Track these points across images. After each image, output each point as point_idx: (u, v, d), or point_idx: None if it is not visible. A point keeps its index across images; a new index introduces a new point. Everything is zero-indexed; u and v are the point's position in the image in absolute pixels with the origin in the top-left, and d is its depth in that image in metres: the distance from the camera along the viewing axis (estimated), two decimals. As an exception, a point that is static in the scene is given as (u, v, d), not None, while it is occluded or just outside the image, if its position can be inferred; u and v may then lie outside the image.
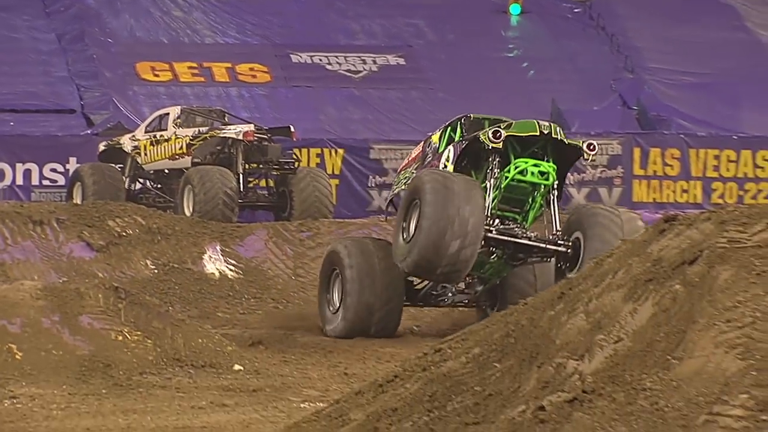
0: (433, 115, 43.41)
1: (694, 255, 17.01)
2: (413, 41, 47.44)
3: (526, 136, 25.02)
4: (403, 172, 28.15)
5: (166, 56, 47.06)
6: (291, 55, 47.10)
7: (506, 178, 24.83)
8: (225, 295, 31.01)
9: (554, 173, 24.89)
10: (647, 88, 45.14)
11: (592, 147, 24.86)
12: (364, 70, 46.74)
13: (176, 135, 38.65)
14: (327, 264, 27.32)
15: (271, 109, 44.38)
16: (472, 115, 27.61)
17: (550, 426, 15.84)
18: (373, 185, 41.55)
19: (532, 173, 24.77)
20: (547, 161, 25.06)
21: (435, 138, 27.21)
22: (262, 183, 38.86)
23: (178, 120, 39.12)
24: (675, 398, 15.68)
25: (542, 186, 25.07)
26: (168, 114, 39.68)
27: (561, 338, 17.00)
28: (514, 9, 47.86)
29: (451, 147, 26.36)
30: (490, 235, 24.80)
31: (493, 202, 25.03)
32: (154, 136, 39.13)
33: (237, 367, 25.43)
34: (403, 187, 27.11)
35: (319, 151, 41.22)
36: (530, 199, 25.29)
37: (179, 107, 40.18)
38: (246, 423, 21.25)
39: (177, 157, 38.53)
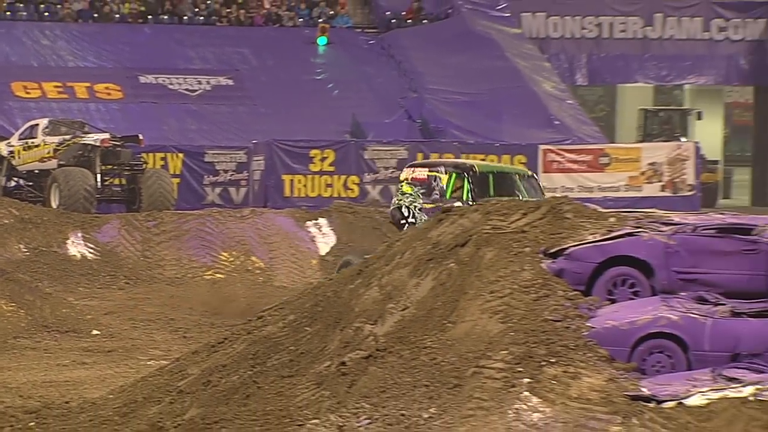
0: (256, 126, 43.37)
1: (465, 239, 17.14)
2: (240, 66, 47.23)
3: None
4: (406, 186, 25.87)
5: (36, 77, 46.65)
6: (139, 77, 46.81)
7: None
8: (85, 273, 30.76)
9: None
10: (428, 105, 45.21)
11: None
12: (200, 89, 46.48)
13: (45, 142, 38.71)
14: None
15: (123, 121, 44.04)
16: (477, 170, 25.77)
17: (350, 378, 15.86)
18: (207, 183, 41.35)
19: None
20: None
21: (443, 179, 25.46)
22: (116, 181, 38.64)
23: (46, 129, 39.22)
24: (450, 354, 15.76)
25: None
26: (38, 124, 39.71)
27: (359, 307, 17.02)
28: (321, 41, 47.73)
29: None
30: None
31: None
32: (26, 143, 39.14)
33: (95, 332, 25.27)
34: (407, 204, 25.13)
35: (163, 155, 40.94)
36: None
37: (47, 119, 40.22)
38: (102, 377, 21.19)
39: (45, 160, 38.56)
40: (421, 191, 25.41)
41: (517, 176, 26.13)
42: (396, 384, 15.48)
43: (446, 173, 25.39)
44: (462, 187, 25.06)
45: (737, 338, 15.66)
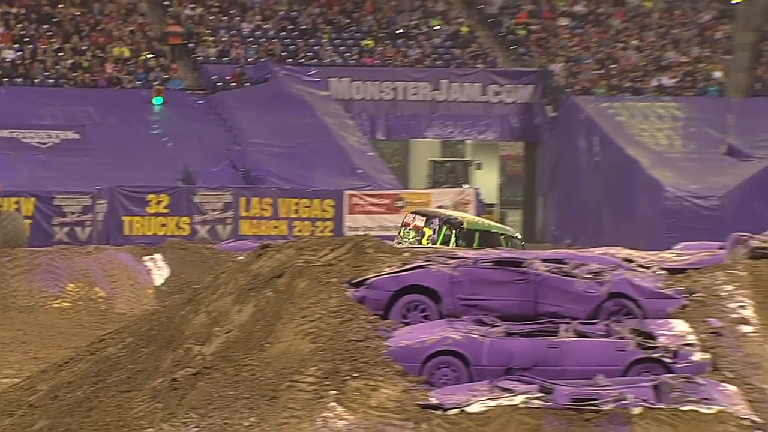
0: (100, 174, 42.74)
1: (281, 271, 17.13)
2: (85, 122, 46.63)
3: None
4: (404, 230, 25.38)
5: None
6: (-3, 132, 46.15)
7: None
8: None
9: None
10: (249, 156, 45.09)
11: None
12: (50, 142, 45.82)
13: None
14: None
15: (-19, 171, 43.23)
16: (466, 226, 24.98)
17: (181, 392, 15.73)
18: (56, 224, 40.81)
19: None
20: None
21: (428, 232, 24.78)
22: None
23: None
24: (267, 371, 15.72)
25: None
26: None
27: (189, 330, 16.91)
28: (157, 101, 47.39)
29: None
30: None
31: None
32: None
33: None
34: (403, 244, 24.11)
35: (17, 199, 40.26)
36: None
37: None
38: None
39: None
40: (417, 237, 24.91)
41: (502, 236, 25.37)
42: (221, 397, 15.40)
43: (438, 225, 24.86)
44: (450, 239, 24.50)
45: (510, 355, 15.83)
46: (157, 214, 41.10)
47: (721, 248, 19.58)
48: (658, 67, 52.33)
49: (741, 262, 18.05)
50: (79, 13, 50.95)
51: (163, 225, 40.87)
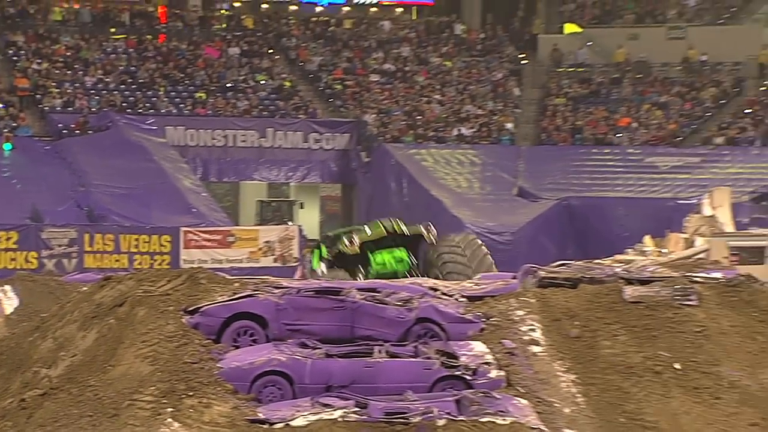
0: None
1: (122, 300, 16.94)
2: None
3: (375, 240, 21.60)
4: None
5: None
6: None
7: (372, 271, 21.48)
8: None
9: (407, 258, 21.86)
10: (93, 197, 44.45)
11: (428, 229, 21.92)
12: None
13: None
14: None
15: None
16: (330, 233, 24.26)
17: (29, 411, 15.44)
18: None
19: (389, 260, 21.52)
20: (400, 250, 21.84)
21: (314, 261, 23.50)
22: None
23: None
24: (110, 391, 15.50)
25: (401, 271, 21.86)
26: None
27: (37, 355, 16.61)
28: (6, 146, 46.56)
29: (322, 263, 22.76)
30: None
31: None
32: None
33: None
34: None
35: None
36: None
37: None
38: None
39: None
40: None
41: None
42: (66, 415, 15.16)
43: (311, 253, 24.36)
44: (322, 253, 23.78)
45: (330, 374, 15.85)
46: (7, 249, 40.36)
47: (513, 278, 19.87)
48: (458, 119, 52.99)
49: (531, 291, 18.33)
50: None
51: (13, 259, 40.10)
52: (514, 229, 44.11)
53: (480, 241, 23.64)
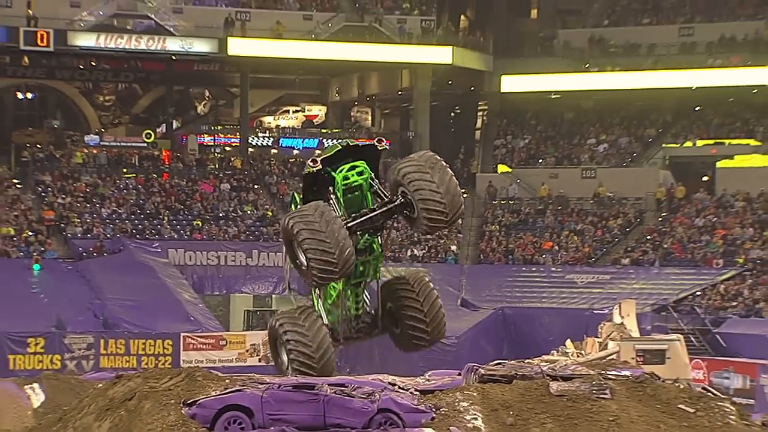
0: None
1: (131, 395, 16.81)
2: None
3: (333, 153, 18.68)
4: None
5: None
6: None
7: (339, 189, 18.66)
8: None
9: (367, 168, 18.77)
10: (107, 308, 44.29)
11: (380, 141, 19.03)
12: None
13: None
14: (270, 337, 19.85)
15: None
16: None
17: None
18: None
19: (352, 174, 18.60)
20: (359, 163, 18.74)
21: (293, 207, 19.69)
22: None
23: None
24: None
25: (364, 182, 18.67)
26: None
27: (60, 442, 16.42)
28: (36, 267, 46.36)
29: (293, 193, 19.86)
30: (350, 225, 18.39)
31: (341, 212, 18.68)
32: None
33: None
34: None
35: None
36: (363, 199, 18.89)
37: None
38: None
39: None
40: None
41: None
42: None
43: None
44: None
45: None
46: (35, 353, 40.07)
47: (458, 375, 19.82)
48: (411, 242, 53.14)
49: (473, 385, 18.29)
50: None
51: (40, 361, 39.80)
52: (459, 333, 44.08)
53: None
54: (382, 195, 18.77)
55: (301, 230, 17.68)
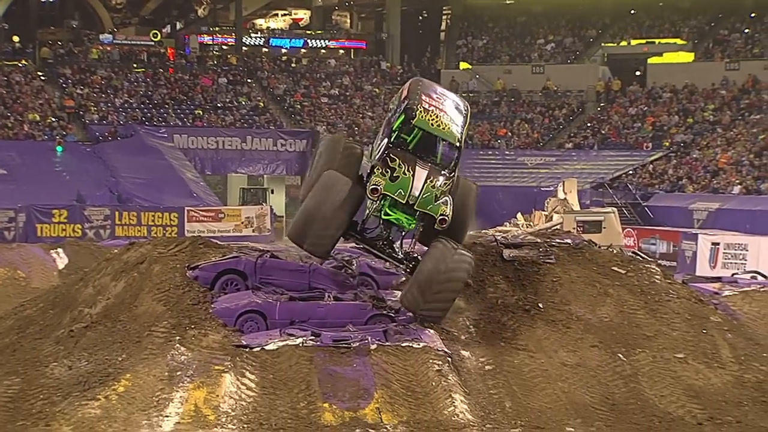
0: (21, 197, 40.73)
1: (143, 259, 16.73)
2: (11, 162, 44.59)
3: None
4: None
5: None
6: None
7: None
8: None
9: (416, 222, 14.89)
10: (121, 185, 43.96)
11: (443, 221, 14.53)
12: (-14, 175, 43.85)
13: None
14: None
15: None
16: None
17: (75, 339, 15.22)
18: (-10, 229, 38.99)
19: (403, 217, 14.72)
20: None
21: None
22: None
23: None
24: (134, 324, 15.31)
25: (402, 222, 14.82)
26: None
27: (81, 298, 16.37)
28: (59, 149, 45.81)
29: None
30: (349, 233, 15.12)
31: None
32: None
33: None
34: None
35: (-37, 213, 38.21)
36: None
37: None
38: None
39: None
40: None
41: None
42: (103, 342, 14.98)
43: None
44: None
45: (293, 312, 15.79)
46: (59, 223, 39.86)
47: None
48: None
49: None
50: (4, 92, 49.15)
51: (63, 230, 39.55)
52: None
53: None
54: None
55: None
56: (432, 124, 14.14)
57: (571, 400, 14.32)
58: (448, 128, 14.25)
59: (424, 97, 14.27)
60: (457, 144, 14.40)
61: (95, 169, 45.36)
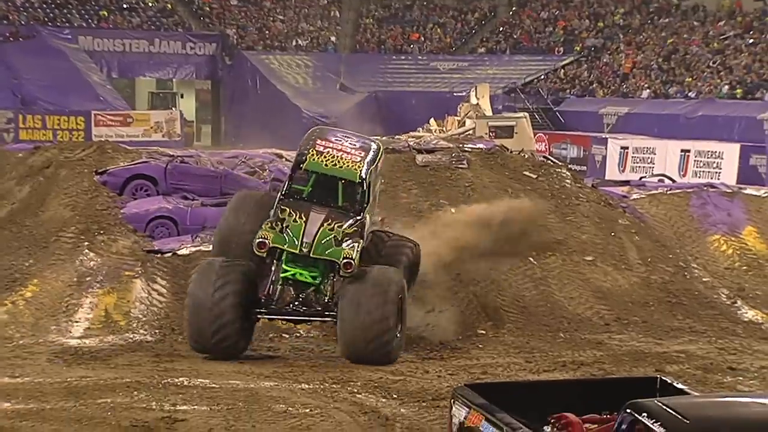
0: None
1: (49, 163, 16.39)
2: None
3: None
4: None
5: None
6: None
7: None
8: None
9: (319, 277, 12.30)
10: (24, 87, 42.85)
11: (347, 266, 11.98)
12: None
13: None
14: None
15: None
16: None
17: None
18: None
19: (300, 272, 12.16)
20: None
21: None
22: None
23: None
24: (41, 229, 15.02)
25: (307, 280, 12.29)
26: None
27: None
28: None
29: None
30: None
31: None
32: None
33: None
34: None
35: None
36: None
37: None
38: None
39: None
40: None
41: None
42: (9, 247, 14.73)
43: None
44: None
45: (205, 217, 15.67)
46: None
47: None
48: (296, 33, 52.14)
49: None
50: None
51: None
52: (339, 113, 43.93)
53: None
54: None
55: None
56: (325, 165, 12.23)
57: (483, 303, 14.55)
58: (346, 166, 12.27)
59: (319, 142, 12.57)
60: (358, 180, 12.20)
61: (-2, 71, 44.01)
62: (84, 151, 16.79)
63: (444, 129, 31.94)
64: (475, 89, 35.26)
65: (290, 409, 10.04)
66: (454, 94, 43.82)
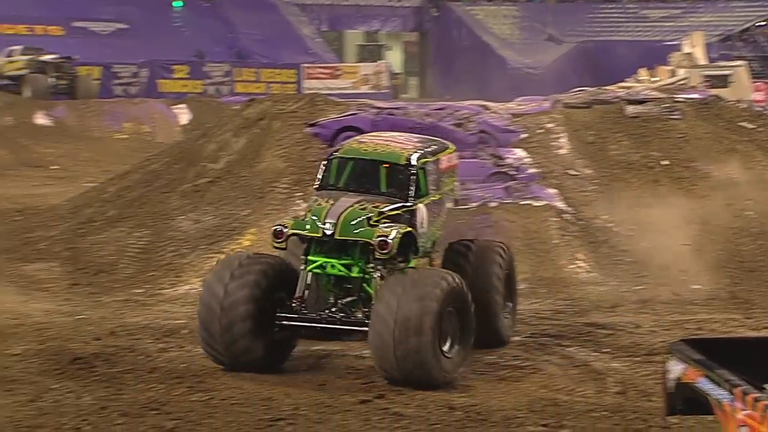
0: (143, 52, 41.43)
1: (263, 115, 16.84)
2: (132, 17, 45.16)
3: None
4: None
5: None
6: (73, 23, 44.40)
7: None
8: (49, 134, 29.28)
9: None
10: (240, 42, 44.31)
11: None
12: (108, 30, 44.47)
13: (20, 59, 35.73)
14: None
15: (62, 49, 41.51)
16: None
17: (201, 193, 15.52)
18: (115, 84, 39.80)
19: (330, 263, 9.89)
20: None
21: None
22: (62, 81, 36.02)
23: (20, 51, 36.09)
24: (257, 180, 15.52)
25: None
26: (15, 48, 36.34)
27: (204, 153, 16.60)
28: (177, 4, 46.19)
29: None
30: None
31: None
32: (9, 59, 36.09)
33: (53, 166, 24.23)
34: None
35: (88, 68, 38.94)
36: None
37: (21, 46, 36.84)
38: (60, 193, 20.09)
39: (21, 69, 35.33)
40: None
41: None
42: (227, 197, 15.25)
43: None
44: None
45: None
46: (181, 78, 40.47)
47: (545, 101, 19.44)
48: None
49: (558, 110, 17.94)
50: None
51: (185, 86, 40.18)
52: (545, 64, 43.32)
53: None
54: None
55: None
56: (365, 150, 10.36)
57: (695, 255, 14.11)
58: (391, 149, 10.33)
59: (357, 137, 11.18)
60: (404, 162, 10.09)
61: (213, 25, 45.60)
62: (296, 103, 17.15)
63: (655, 79, 30.95)
64: (689, 38, 33.93)
65: (500, 360, 10.02)
66: (665, 43, 42.35)
